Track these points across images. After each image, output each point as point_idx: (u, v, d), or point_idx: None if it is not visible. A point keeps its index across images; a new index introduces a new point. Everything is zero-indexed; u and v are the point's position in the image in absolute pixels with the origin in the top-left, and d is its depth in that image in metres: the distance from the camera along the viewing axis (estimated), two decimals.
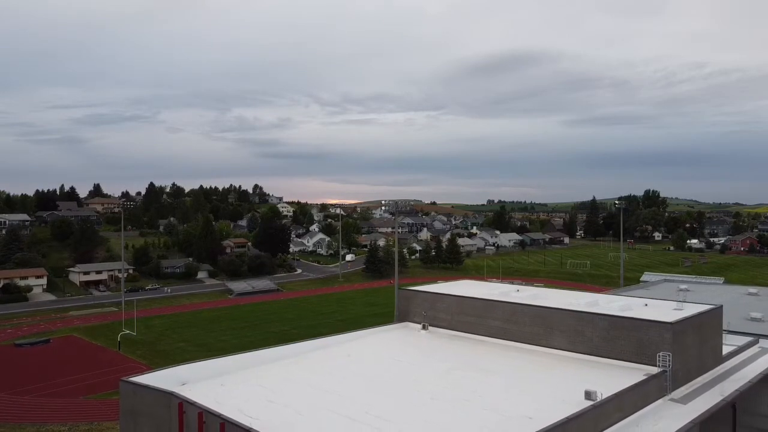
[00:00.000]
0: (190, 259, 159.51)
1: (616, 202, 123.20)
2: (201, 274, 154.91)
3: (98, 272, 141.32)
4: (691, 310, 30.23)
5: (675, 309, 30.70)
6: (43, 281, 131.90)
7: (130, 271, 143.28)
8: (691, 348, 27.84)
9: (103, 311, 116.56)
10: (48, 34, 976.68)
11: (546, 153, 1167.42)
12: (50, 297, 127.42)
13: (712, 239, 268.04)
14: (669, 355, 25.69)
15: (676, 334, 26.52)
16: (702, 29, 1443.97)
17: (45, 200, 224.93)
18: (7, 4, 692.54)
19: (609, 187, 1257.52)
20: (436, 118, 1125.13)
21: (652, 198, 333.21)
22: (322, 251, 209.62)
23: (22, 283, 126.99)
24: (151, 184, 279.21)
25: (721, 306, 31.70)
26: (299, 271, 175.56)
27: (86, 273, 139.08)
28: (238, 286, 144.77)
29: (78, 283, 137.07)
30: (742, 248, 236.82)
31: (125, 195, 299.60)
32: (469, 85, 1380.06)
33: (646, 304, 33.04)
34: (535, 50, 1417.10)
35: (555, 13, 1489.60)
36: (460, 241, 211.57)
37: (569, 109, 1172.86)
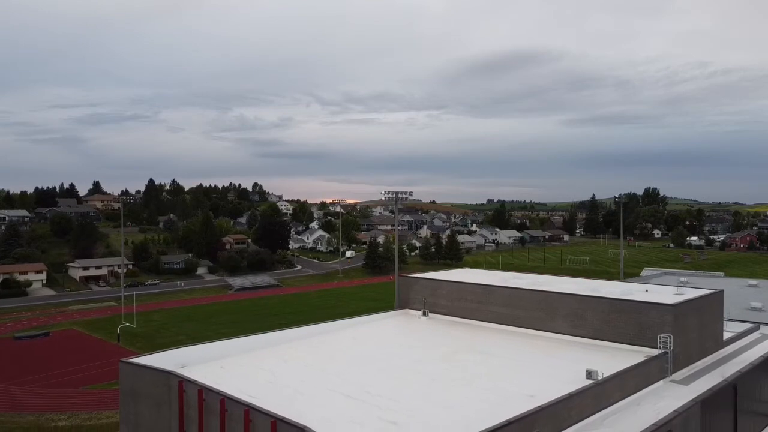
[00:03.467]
0: (190, 254, 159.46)
1: (616, 197, 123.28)
2: (201, 270, 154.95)
3: (98, 268, 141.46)
4: (692, 293, 30.18)
5: (676, 294, 30.64)
6: (43, 276, 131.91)
7: (130, 267, 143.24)
8: (692, 331, 27.76)
9: (102, 306, 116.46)
10: (48, 33, 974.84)
11: (546, 153, 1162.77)
12: (50, 292, 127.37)
13: (711, 237, 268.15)
14: (670, 336, 25.63)
15: (677, 317, 26.43)
16: (705, 28, 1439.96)
17: (44, 197, 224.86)
18: (7, 4, 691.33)
19: (609, 187, 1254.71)
20: (437, 118, 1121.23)
21: (651, 196, 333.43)
22: (322, 248, 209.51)
23: (21, 278, 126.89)
24: (151, 181, 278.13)
25: (722, 291, 31.59)
26: (299, 267, 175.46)
27: (86, 268, 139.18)
28: (238, 281, 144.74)
29: (77, 279, 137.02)
30: (741, 245, 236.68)
31: (125, 193, 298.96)
32: (470, 84, 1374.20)
33: (647, 290, 32.98)
34: (537, 49, 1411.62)
35: (557, 13, 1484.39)
36: (460, 238, 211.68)
37: (570, 108, 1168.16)
